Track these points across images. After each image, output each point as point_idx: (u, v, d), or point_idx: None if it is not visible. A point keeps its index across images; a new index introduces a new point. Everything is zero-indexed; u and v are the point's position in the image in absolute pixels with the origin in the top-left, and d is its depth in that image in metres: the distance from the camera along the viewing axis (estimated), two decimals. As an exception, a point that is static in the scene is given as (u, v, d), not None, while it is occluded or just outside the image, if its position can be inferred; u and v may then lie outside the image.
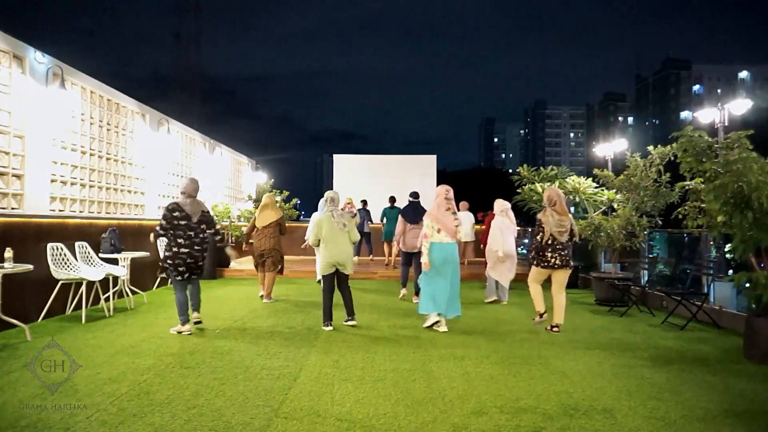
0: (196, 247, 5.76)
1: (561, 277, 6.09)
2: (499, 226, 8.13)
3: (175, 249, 5.68)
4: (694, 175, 5.83)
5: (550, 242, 6.02)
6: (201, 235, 5.82)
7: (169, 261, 5.71)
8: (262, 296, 8.10)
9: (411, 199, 8.14)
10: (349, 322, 6.15)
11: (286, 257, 9.09)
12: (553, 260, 6.01)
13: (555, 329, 6.05)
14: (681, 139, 5.77)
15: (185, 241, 5.70)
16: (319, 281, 8.71)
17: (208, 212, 6.00)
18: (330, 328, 5.96)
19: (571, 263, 6.12)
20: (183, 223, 5.70)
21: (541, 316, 6.23)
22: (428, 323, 6.11)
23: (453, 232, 5.99)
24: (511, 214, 8.41)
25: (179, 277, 5.75)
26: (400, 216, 8.10)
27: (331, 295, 6.10)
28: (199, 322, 6.00)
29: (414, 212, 7.90)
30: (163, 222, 5.68)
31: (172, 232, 5.69)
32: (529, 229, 10.03)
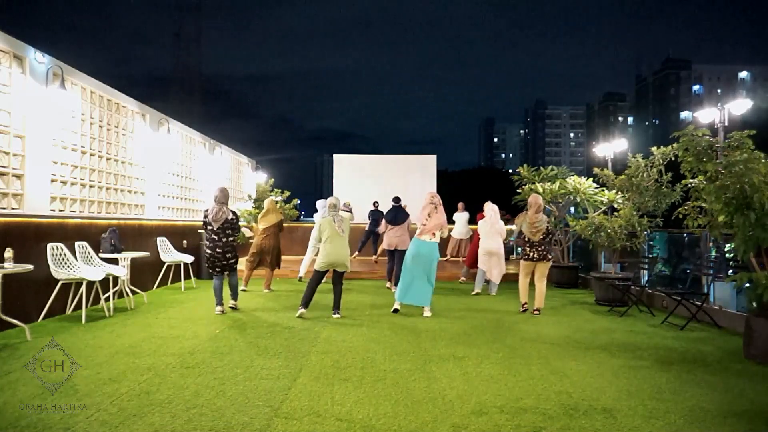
0: (217, 250, 6.78)
1: (541, 269, 7.24)
2: (482, 227, 9.18)
3: (205, 249, 6.91)
4: (695, 174, 5.83)
5: (527, 240, 7.25)
6: (223, 239, 6.80)
7: (205, 257, 7.03)
8: (243, 290, 8.75)
9: (393, 203, 9.31)
10: (335, 315, 6.67)
11: (286, 257, 9.57)
12: (531, 254, 7.22)
13: (536, 312, 7.16)
14: (682, 138, 5.77)
15: (210, 243, 6.81)
16: (300, 279, 10.29)
17: (232, 219, 6.84)
18: (303, 310, 6.64)
19: (549, 257, 7.23)
20: (209, 228, 6.79)
21: (522, 306, 7.31)
22: (394, 306, 7.10)
23: (430, 232, 6.96)
24: (493, 217, 9.08)
25: (210, 271, 6.96)
26: (384, 220, 9.25)
27: (314, 287, 6.75)
28: (234, 308, 7.07)
29: (395, 214, 9.02)
30: (204, 226, 6.91)
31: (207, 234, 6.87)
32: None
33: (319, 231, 6.80)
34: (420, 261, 6.94)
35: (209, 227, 6.77)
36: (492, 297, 8.77)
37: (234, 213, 6.91)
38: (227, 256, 6.84)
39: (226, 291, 7.16)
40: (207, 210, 6.83)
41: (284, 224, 9.32)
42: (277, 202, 16.50)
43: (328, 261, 6.67)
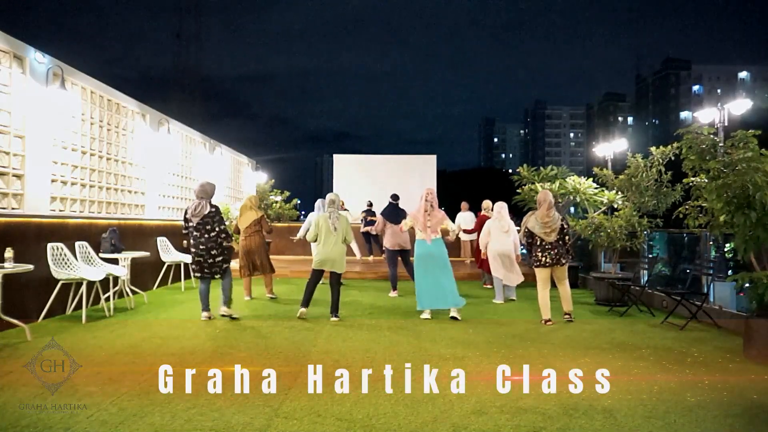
0: (201, 247, 6.29)
1: (559, 273, 6.54)
2: (489, 227, 8.32)
3: (190, 248, 6.42)
4: (697, 173, 5.82)
5: (539, 243, 6.46)
6: (206, 236, 6.29)
7: (191, 260, 6.48)
8: (248, 299, 8.02)
9: (391, 201, 8.71)
10: (333, 318, 6.46)
11: (286, 257, 9.31)
12: (544, 259, 6.44)
13: (567, 317, 6.57)
14: (686, 136, 5.76)
15: (193, 240, 6.35)
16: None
17: (213, 213, 6.33)
18: (303, 310, 6.46)
19: (563, 260, 6.45)
20: (190, 224, 6.33)
21: (545, 322, 6.41)
22: (423, 317, 6.54)
23: (434, 230, 6.54)
24: (506, 217, 8.29)
25: (195, 274, 6.44)
26: (380, 216, 8.73)
27: (313, 287, 6.61)
28: (228, 316, 6.40)
29: (394, 213, 8.46)
30: (183, 224, 6.47)
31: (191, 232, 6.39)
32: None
33: (315, 226, 6.58)
34: (436, 260, 6.51)
35: (190, 224, 6.31)
36: (493, 299, 8.64)
37: (215, 206, 6.41)
38: (212, 253, 6.28)
39: (217, 294, 6.52)
40: (187, 207, 6.46)
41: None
42: (277, 202, 16.62)
43: (320, 260, 6.53)
